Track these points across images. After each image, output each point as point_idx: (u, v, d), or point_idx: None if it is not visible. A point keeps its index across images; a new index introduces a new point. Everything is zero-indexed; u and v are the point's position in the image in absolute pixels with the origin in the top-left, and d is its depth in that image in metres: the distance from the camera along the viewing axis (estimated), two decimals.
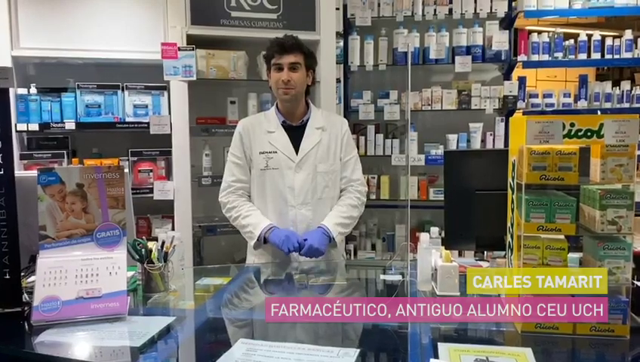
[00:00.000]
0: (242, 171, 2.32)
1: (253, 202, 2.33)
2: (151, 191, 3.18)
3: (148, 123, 3.13)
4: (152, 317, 1.56)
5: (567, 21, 5.17)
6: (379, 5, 3.94)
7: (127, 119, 3.24)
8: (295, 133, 2.31)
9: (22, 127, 3.08)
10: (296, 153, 2.28)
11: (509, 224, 1.51)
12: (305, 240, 2.18)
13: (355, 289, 2.09)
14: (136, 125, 3.22)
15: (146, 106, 3.27)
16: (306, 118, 2.33)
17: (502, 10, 3.83)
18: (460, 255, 2.63)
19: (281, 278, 2.15)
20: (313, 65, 2.34)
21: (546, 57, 3.99)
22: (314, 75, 2.37)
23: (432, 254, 1.76)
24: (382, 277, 2.04)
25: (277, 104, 2.36)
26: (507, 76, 3.98)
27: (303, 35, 2.38)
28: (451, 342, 1.33)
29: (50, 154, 3.18)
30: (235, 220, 2.29)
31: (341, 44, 3.91)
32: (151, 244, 1.78)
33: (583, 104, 3.99)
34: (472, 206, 1.77)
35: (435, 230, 1.84)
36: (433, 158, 3.87)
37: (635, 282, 1.38)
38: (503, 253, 1.66)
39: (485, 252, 2.15)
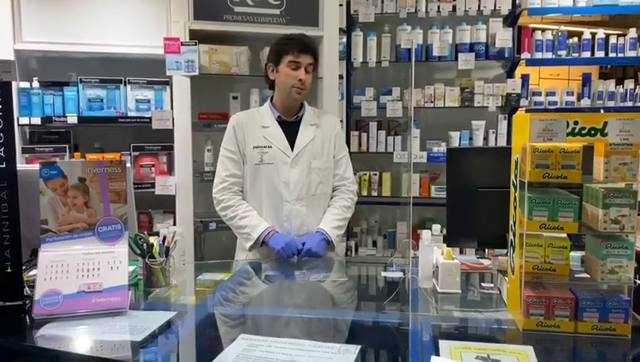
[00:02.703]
0: (236, 166, 2.30)
1: (245, 197, 2.32)
2: (153, 186, 3.18)
3: (150, 118, 3.14)
4: (153, 311, 1.56)
5: (571, 19, 5.15)
6: (382, 2, 3.94)
7: (130, 114, 3.24)
8: (289, 128, 2.30)
9: (24, 120, 3.08)
10: (292, 148, 2.28)
11: (511, 222, 1.51)
12: (303, 243, 2.19)
13: (356, 285, 2.09)
14: (138, 120, 3.22)
15: (149, 101, 3.27)
16: (300, 115, 2.33)
17: (505, 7, 3.82)
18: (461, 252, 2.63)
19: (283, 274, 2.15)
20: (317, 68, 2.35)
21: (549, 55, 3.98)
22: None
23: (433, 251, 1.76)
24: (383, 274, 2.04)
25: (271, 99, 2.35)
26: (510, 74, 3.97)
27: (306, 31, 2.38)
28: (452, 339, 1.33)
29: (52, 148, 3.18)
30: (232, 220, 2.27)
31: (344, 40, 3.91)
32: (152, 239, 1.78)
33: (586, 102, 3.99)
34: (474, 203, 1.76)
35: (436, 227, 1.84)
36: (435, 156, 3.87)
37: (638, 281, 1.38)
38: (504, 250, 1.66)
39: (487, 250, 2.15)
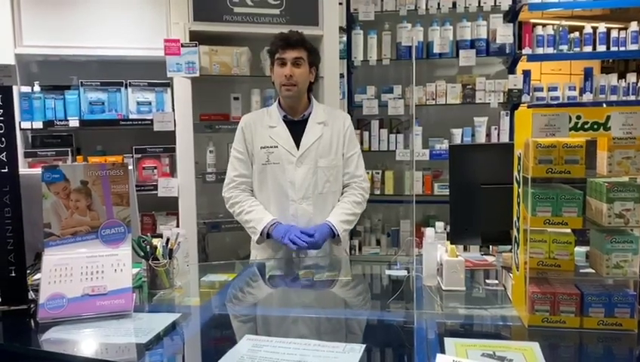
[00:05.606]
0: (245, 166, 2.33)
1: (254, 197, 2.34)
2: (155, 188, 3.19)
3: (151, 120, 3.14)
4: (158, 313, 1.56)
5: (572, 13, 5.13)
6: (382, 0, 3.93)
7: (131, 116, 3.24)
8: (296, 127, 2.31)
9: (26, 125, 3.08)
10: (297, 148, 2.28)
11: (514, 218, 1.50)
12: (312, 234, 2.18)
13: (360, 284, 2.08)
14: (139, 122, 3.22)
15: (150, 103, 3.27)
16: (308, 113, 2.33)
17: (506, 3, 3.80)
18: (465, 249, 2.61)
19: (286, 274, 2.15)
20: (317, 62, 2.33)
21: (550, 50, 3.96)
22: (317, 72, 2.37)
23: (437, 249, 1.75)
24: (387, 272, 2.03)
25: (279, 99, 2.36)
26: (512, 70, 3.95)
27: (306, 31, 2.37)
28: (458, 336, 1.33)
29: (54, 152, 3.18)
30: (239, 215, 2.31)
31: (344, 39, 3.90)
32: (156, 241, 1.78)
33: (588, 97, 3.97)
34: (478, 200, 1.76)
35: (440, 225, 1.83)
36: (438, 153, 3.86)
37: None
38: (508, 247, 1.65)
39: (491, 246, 2.14)
